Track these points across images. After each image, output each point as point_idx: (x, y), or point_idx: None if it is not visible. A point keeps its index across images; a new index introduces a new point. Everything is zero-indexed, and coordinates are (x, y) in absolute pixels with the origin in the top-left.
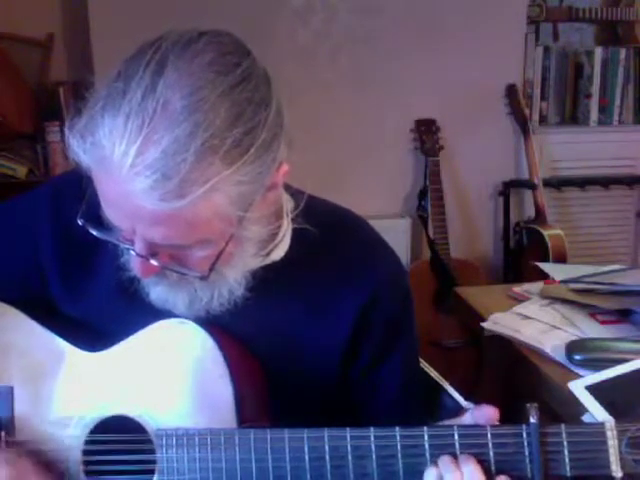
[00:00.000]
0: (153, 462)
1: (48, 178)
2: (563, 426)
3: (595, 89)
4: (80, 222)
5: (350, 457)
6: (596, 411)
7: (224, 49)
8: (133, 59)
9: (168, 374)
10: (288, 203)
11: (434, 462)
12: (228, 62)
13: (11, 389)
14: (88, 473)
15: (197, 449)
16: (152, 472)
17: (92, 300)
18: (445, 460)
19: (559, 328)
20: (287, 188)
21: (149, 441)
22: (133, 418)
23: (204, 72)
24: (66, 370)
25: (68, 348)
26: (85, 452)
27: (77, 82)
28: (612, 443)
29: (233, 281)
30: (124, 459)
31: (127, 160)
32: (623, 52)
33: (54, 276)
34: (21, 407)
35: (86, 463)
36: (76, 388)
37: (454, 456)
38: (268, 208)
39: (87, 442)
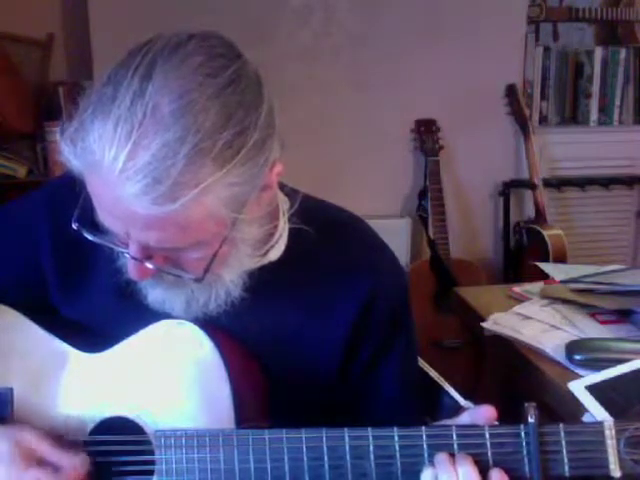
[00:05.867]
0: (152, 463)
1: (48, 178)
2: (561, 426)
3: (595, 89)
4: (75, 226)
5: (348, 457)
6: (596, 411)
7: (213, 52)
8: (122, 64)
9: (166, 375)
10: (284, 203)
11: (431, 462)
12: (217, 65)
13: (11, 390)
14: (87, 474)
15: (196, 450)
16: (151, 473)
17: (90, 302)
18: (441, 459)
19: (559, 328)
20: (281, 188)
21: (148, 442)
22: (132, 419)
23: (193, 75)
24: (65, 371)
25: (67, 349)
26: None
27: (77, 82)
28: (611, 443)
29: (230, 282)
30: (123, 460)
31: (117, 165)
32: (623, 52)
33: (52, 278)
34: (21, 408)
35: None
36: (75, 389)
37: (451, 455)
38: (263, 209)
39: (86, 443)
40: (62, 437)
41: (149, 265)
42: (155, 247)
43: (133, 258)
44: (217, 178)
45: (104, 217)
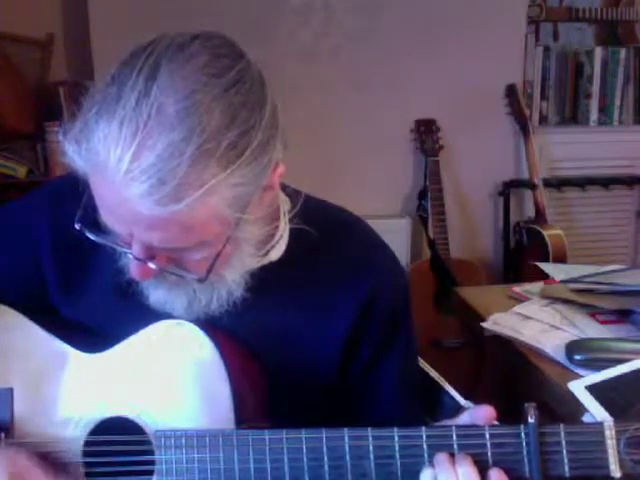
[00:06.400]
0: (152, 463)
1: (48, 178)
2: (562, 426)
3: (595, 89)
4: (77, 226)
5: (348, 457)
6: (596, 411)
7: (217, 52)
8: (126, 64)
9: (166, 375)
10: (285, 204)
11: (431, 462)
12: (221, 65)
13: (10, 391)
14: (88, 474)
15: (195, 450)
16: (151, 473)
17: (90, 302)
18: (441, 459)
19: (559, 328)
20: (283, 188)
21: (148, 442)
22: (132, 419)
23: (197, 75)
24: (65, 372)
25: (67, 350)
26: (84, 453)
27: (77, 82)
28: (611, 443)
29: (232, 282)
30: (123, 460)
31: (122, 166)
32: (623, 52)
33: (53, 278)
34: (21, 409)
35: (85, 464)
36: (75, 389)
37: (451, 455)
38: (265, 209)
39: (86, 443)
40: (60, 453)
41: (152, 265)
42: (158, 247)
43: (136, 258)
44: (221, 179)
45: (107, 217)
